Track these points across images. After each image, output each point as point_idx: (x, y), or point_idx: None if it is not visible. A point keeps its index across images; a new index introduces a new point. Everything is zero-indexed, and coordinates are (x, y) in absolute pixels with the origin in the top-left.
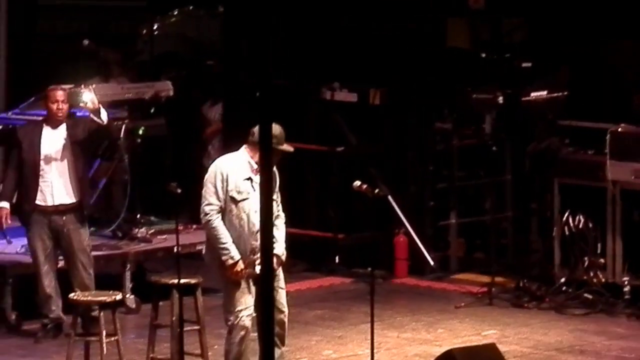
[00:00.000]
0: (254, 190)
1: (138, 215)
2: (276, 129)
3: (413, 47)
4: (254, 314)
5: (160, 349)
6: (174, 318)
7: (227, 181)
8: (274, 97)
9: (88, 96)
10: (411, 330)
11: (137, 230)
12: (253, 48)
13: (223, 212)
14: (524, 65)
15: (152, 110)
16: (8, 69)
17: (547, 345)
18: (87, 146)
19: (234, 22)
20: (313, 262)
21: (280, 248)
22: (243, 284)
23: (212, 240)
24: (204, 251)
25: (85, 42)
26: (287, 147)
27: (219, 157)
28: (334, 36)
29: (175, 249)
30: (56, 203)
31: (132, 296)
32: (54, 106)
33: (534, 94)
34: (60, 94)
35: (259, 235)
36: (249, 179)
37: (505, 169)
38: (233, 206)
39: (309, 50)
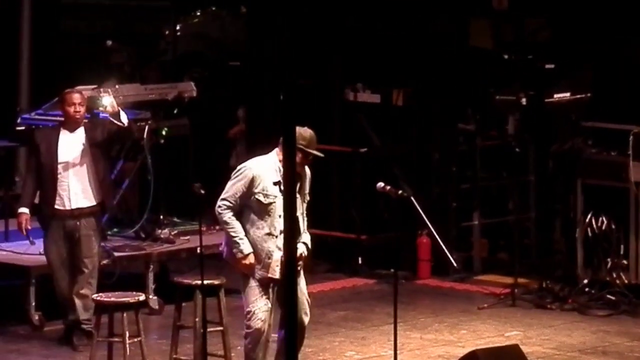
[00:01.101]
0: (282, 194)
1: (161, 216)
2: (307, 132)
3: (436, 47)
4: (264, 317)
5: (183, 349)
6: (197, 319)
7: (253, 184)
8: (298, 98)
9: (107, 100)
10: (434, 332)
11: (160, 231)
12: (276, 49)
13: (246, 211)
14: (547, 66)
15: (175, 111)
16: (31, 69)
17: (570, 346)
18: (107, 148)
19: (258, 23)
20: (336, 263)
21: (302, 247)
22: (258, 288)
23: (225, 234)
24: (222, 247)
25: (109, 42)
26: (317, 152)
27: (246, 157)
28: (357, 37)
29: (198, 250)
30: (73, 207)
31: (155, 297)
32: (71, 109)
33: (557, 95)
34: (76, 97)
35: (278, 240)
36: (278, 182)
37: (529, 170)
38: (258, 208)
39: (332, 51)
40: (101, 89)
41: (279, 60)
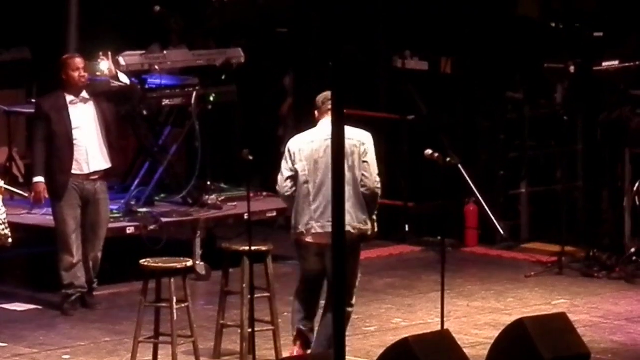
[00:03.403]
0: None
1: (208, 182)
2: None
3: (484, 15)
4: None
5: (230, 315)
6: (244, 285)
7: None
8: (346, 66)
9: (105, 65)
10: (481, 299)
11: (207, 197)
12: (324, 16)
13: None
14: (596, 35)
15: (223, 77)
16: (79, 34)
17: (617, 315)
18: (111, 109)
19: None
20: (383, 230)
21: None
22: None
23: (376, 209)
24: (361, 225)
25: (157, 8)
26: None
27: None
28: (405, 4)
29: (245, 216)
30: (92, 170)
31: (202, 263)
32: (76, 74)
33: (605, 64)
34: (79, 61)
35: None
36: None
37: (577, 139)
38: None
39: (381, 19)
40: (100, 54)
41: (326, 27)
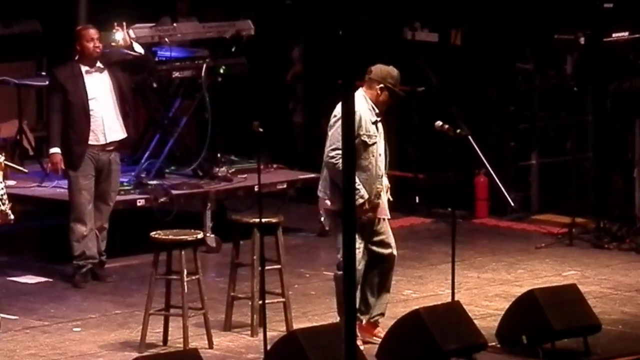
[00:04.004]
0: (379, 132)
1: (219, 154)
2: (394, 71)
3: None
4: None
5: (240, 287)
6: (254, 257)
7: (358, 125)
8: (357, 36)
9: (120, 35)
10: (491, 271)
11: (217, 169)
12: None
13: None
14: (606, 5)
15: (233, 49)
16: (89, 7)
17: (627, 286)
18: (126, 78)
19: None
20: (393, 202)
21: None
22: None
23: (339, 182)
24: (320, 193)
25: None
26: (402, 92)
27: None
28: None
29: (256, 188)
30: (108, 140)
31: (213, 235)
32: (90, 45)
33: (615, 35)
34: (94, 32)
35: (384, 179)
36: (376, 121)
37: (587, 110)
38: (362, 149)
39: None
40: (115, 24)
41: None
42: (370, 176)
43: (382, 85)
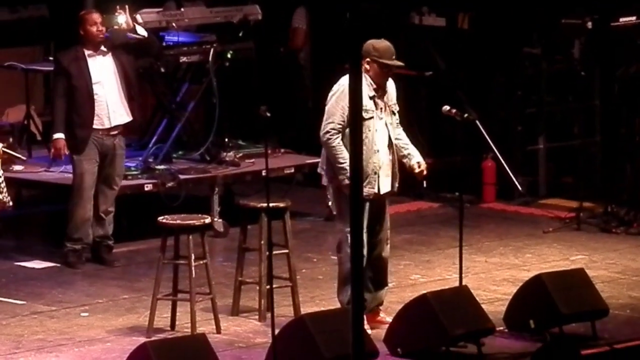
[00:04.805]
0: (376, 108)
1: (226, 139)
2: (380, 43)
3: None
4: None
5: (248, 272)
6: (262, 242)
7: None
8: (364, 20)
9: (122, 18)
10: (499, 255)
11: (225, 153)
12: None
13: (346, 131)
14: None
15: (240, 34)
16: None
17: (635, 270)
18: (130, 62)
19: None
20: (401, 186)
21: (418, 155)
22: None
23: (331, 159)
24: (319, 170)
25: None
26: (394, 62)
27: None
28: None
29: (263, 173)
30: (113, 124)
31: (220, 220)
32: (94, 29)
33: (623, 19)
34: (97, 16)
35: (379, 154)
36: (373, 96)
37: (594, 94)
38: None
39: None
40: (117, 7)
41: None
42: (365, 151)
43: (367, 59)
